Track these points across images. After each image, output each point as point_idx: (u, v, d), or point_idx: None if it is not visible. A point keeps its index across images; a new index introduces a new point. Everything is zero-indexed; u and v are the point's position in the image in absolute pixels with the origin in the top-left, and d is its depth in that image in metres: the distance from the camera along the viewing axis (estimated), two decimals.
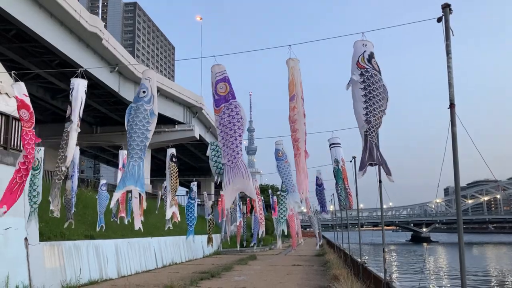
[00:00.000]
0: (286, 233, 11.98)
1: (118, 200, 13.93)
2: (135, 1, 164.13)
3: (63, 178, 7.91)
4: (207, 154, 8.40)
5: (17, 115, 8.50)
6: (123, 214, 14.19)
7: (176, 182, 10.42)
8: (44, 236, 13.08)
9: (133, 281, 15.21)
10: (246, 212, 30.49)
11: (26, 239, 11.73)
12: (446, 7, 5.11)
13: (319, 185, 14.50)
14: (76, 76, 7.55)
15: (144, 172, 7.00)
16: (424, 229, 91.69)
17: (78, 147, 10.78)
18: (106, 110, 33.29)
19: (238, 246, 25.88)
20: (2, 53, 22.16)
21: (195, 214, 14.20)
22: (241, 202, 21.79)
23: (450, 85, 5.00)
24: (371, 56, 5.82)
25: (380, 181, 8.94)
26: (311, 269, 20.30)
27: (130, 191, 13.64)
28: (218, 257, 29.60)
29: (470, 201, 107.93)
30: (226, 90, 6.25)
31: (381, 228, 11.23)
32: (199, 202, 30.01)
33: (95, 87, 27.18)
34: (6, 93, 11.90)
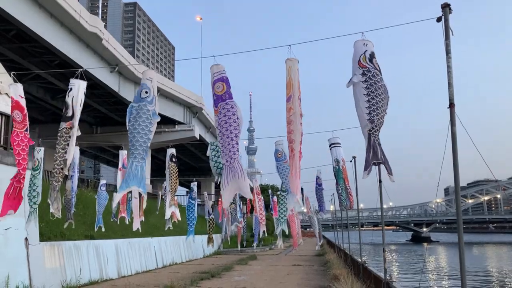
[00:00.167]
0: (287, 233, 11.97)
1: (119, 200, 13.94)
2: (135, 1, 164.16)
3: (61, 180, 7.92)
4: (207, 154, 8.41)
5: None
6: (124, 214, 14.20)
7: (176, 182, 10.43)
8: (44, 236, 13.08)
9: (133, 281, 15.21)
10: (247, 212, 30.50)
11: (26, 239, 11.74)
12: (446, 7, 5.11)
13: (319, 185, 14.53)
14: (76, 77, 7.55)
15: (147, 172, 7.02)
16: (425, 229, 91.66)
17: (78, 147, 10.78)
18: (106, 110, 33.28)
19: (239, 246, 25.89)
20: (2, 53, 22.15)
21: (195, 214, 14.21)
22: (241, 202, 21.80)
23: (450, 84, 5.00)
24: (372, 55, 5.83)
25: (380, 181, 8.93)
26: (311, 269, 20.30)
27: (130, 191, 13.66)
28: (218, 257, 29.60)
29: (470, 201, 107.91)
30: (223, 89, 6.26)
31: (381, 228, 11.23)
32: (199, 202, 30.03)
33: (95, 87, 27.18)
34: (6, 94, 11.90)
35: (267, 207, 26.53)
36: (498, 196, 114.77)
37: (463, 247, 4.87)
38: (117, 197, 7.27)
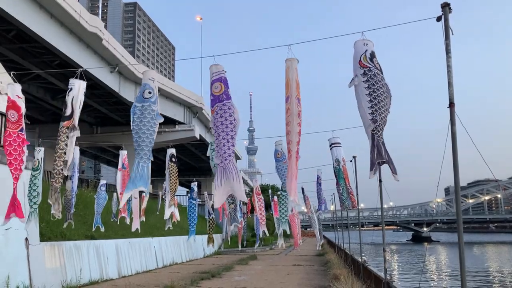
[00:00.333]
0: (288, 233, 11.98)
1: (118, 200, 13.94)
2: (135, 1, 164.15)
3: (61, 181, 7.91)
4: (207, 154, 8.41)
5: None
6: (124, 214, 14.19)
7: (176, 182, 10.42)
8: (45, 236, 13.09)
9: (133, 281, 15.21)
10: (247, 212, 30.45)
11: (26, 239, 11.74)
12: (446, 6, 5.10)
13: (320, 184, 14.56)
14: (76, 77, 7.55)
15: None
16: (425, 229, 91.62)
17: (78, 148, 10.77)
18: (107, 110, 33.28)
19: (240, 246, 25.86)
20: (2, 53, 22.16)
21: (196, 215, 14.22)
22: (241, 202, 21.77)
23: (450, 84, 4.99)
24: (373, 55, 5.82)
25: (380, 181, 8.92)
26: (312, 269, 20.29)
27: None
28: (218, 257, 29.59)
29: (471, 201, 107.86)
30: (220, 90, 6.23)
31: (381, 228, 11.23)
32: (200, 202, 30.01)
33: (95, 87, 27.18)
34: (6, 94, 11.90)
35: (268, 207, 26.50)
36: (499, 195, 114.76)
37: (463, 247, 4.87)
38: (125, 197, 7.30)
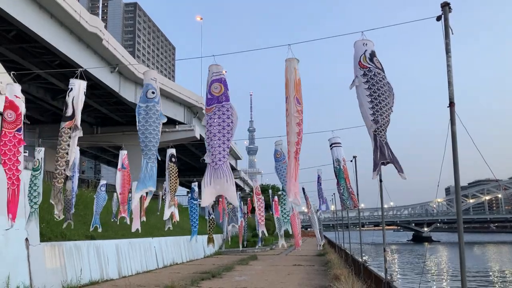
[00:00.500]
0: (291, 233, 11.97)
1: (118, 200, 13.92)
2: (136, 1, 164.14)
3: (63, 181, 7.89)
4: None
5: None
6: (124, 215, 14.18)
7: (176, 183, 10.40)
8: (45, 236, 13.09)
9: (134, 282, 15.22)
10: (248, 212, 30.44)
11: (26, 239, 11.74)
12: (446, 6, 5.10)
13: (320, 184, 14.58)
14: (76, 77, 7.54)
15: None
16: (426, 229, 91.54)
17: (78, 148, 10.76)
18: (107, 110, 33.29)
19: (241, 246, 25.87)
20: (2, 53, 22.17)
21: (198, 215, 14.23)
22: (242, 202, 21.77)
23: (450, 83, 4.99)
24: (373, 54, 5.79)
25: (380, 181, 8.92)
26: (312, 269, 20.29)
27: (130, 191, 13.62)
28: (219, 257, 29.59)
29: (471, 201, 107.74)
30: (220, 91, 6.21)
31: (382, 227, 11.22)
32: (200, 202, 29.95)
33: (95, 87, 27.19)
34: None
35: (268, 207, 26.48)
36: (499, 195, 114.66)
37: (463, 247, 4.86)
38: (136, 198, 7.34)
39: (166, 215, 10.29)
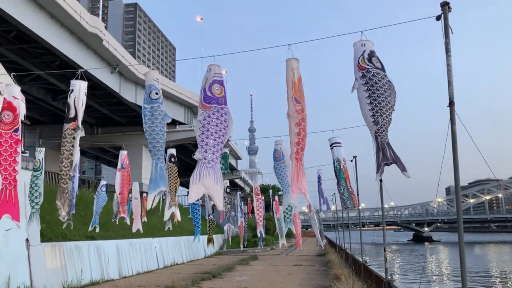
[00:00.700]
0: (294, 232, 11.98)
1: (118, 200, 13.94)
2: (136, 2, 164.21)
3: (68, 182, 7.88)
4: None
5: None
6: (123, 215, 14.18)
7: (176, 183, 10.41)
8: (46, 237, 13.09)
9: (134, 282, 15.22)
10: (248, 212, 30.45)
11: (27, 240, 11.75)
12: (445, 5, 5.10)
13: (320, 184, 14.60)
14: (76, 77, 7.55)
15: (148, 172, 7.10)
16: (426, 229, 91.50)
17: (79, 148, 10.77)
18: (107, 111, 33.31)
19: (241, 246, 25.85)
20: (2, 54, 22.18)
21: (200, 215, 14.24)
22: (242, 202, 21.77)
23: (450, 83, 4.99)
24: (371, 54, 5.77)
25: (381, 181, 8.92)
26: (313, 269, 20.29)
27: (130, 192, 13.61)
28: (219, 258, 29.59)
29: (471, 200, 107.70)
30: (221, 93, 6.25)
31: (382, 227, 11.23)
32: (201, 202, 29.96)
33: (96, 88, 27.21)
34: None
35: (268, 207, 26.48)
36: (500, 195, 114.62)
37: (463, 247, 4.86)
38: (150, 198, 7.37)
39: (166, 216, 10.28)
